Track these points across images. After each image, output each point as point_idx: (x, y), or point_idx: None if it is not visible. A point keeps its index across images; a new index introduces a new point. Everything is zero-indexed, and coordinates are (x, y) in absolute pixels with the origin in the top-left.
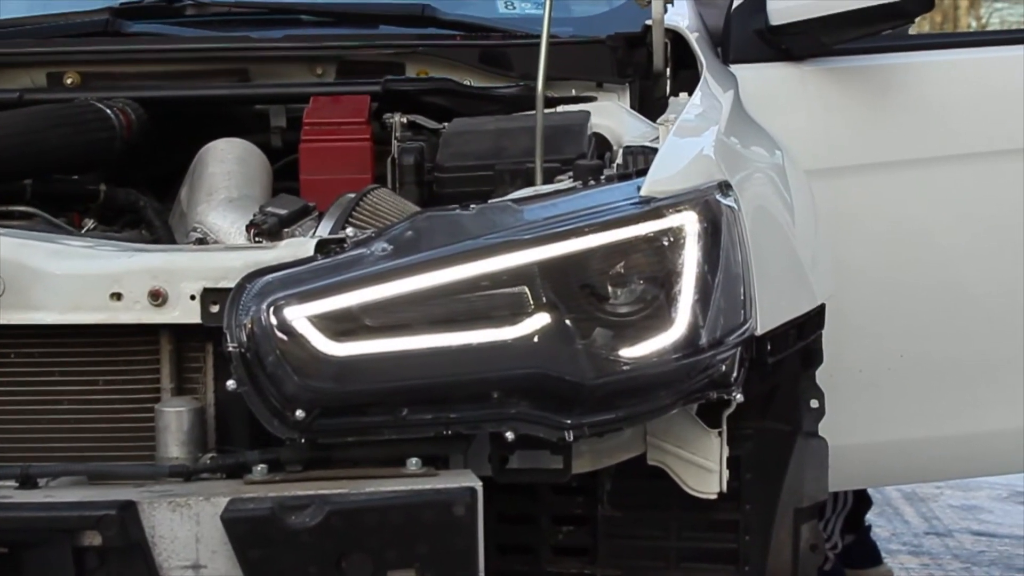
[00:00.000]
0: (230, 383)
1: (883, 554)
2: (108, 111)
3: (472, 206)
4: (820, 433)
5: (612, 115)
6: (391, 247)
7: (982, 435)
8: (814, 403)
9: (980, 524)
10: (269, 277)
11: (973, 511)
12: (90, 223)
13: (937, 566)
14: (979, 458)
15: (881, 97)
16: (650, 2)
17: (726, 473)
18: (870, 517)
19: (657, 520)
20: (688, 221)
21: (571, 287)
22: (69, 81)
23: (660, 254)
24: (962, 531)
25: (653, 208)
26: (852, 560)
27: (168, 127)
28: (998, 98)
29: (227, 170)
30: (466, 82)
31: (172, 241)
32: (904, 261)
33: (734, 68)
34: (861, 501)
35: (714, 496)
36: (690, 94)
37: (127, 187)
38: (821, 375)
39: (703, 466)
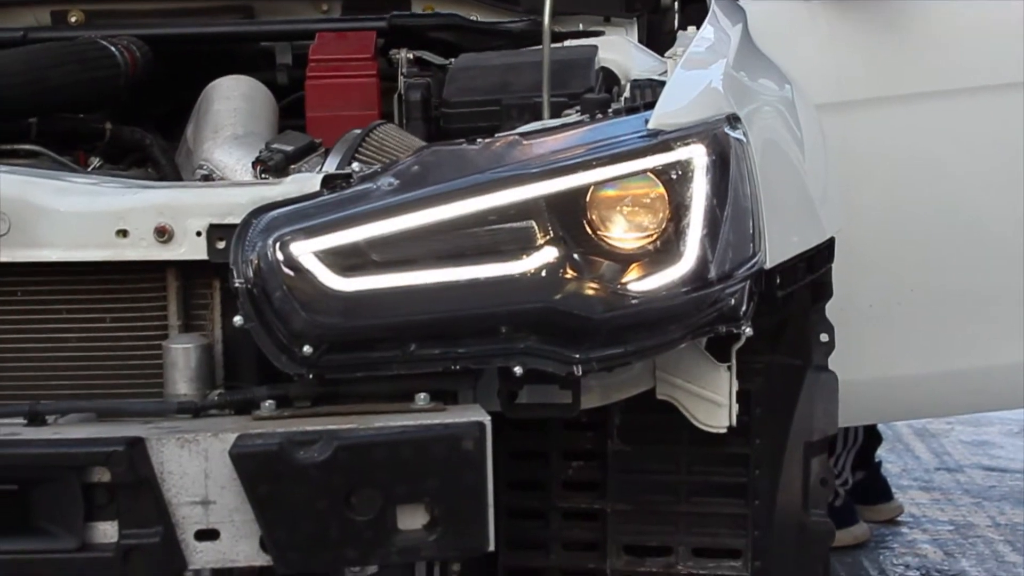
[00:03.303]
0: (237, 319)
1: (894, 490)
2: (113, 49)
3: (479, 140)
4: (830, 367)
5: (620, 49)
6: (397, 182)
7: (994, 369)
8: (824, 337)
9: (991, 459)
10: (275, 212)
11: (984, 446)
12: (96, 161)
13: (948, 501)
14: (991, 392)
15: (890, 30)
16: None
17: (736, 407)
18: (881, 453)
19: (667, 454)
20: (696, 154)
21: (579, 221)
22: (73, 19)
23: (668, 187)
24: (973, 466)
25: (661, 141)
26: (863, 496)
27: (173, 65)
28: (1007, 30)
29: (233, 107)
30: (472, 17)
31: (178, 179)
32: (914, 194)
33: (743, 1)
34: (872, 437)
35: (724, 430)
36: (698, 28)
37: (133, 125)
38: (831, 310)
39: (713, 400)
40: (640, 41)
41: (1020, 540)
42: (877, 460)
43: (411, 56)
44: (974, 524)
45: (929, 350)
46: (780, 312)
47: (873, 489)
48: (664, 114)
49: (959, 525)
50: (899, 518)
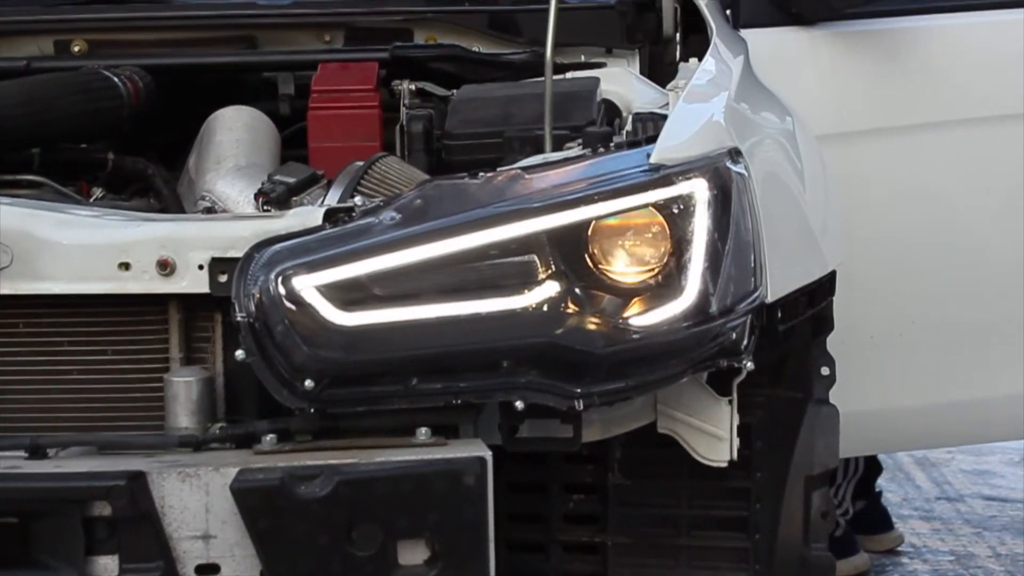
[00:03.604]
0: (239, 353)
1: (894, 519)
2: (115, 79)
3: (481, 174)
4: (831, 399)
5: (622, 81)
6: (400, 216)
7: (994, 400)
8: (825, 370)
9: (992, 489)
10: (278, 246)
11: (984, 476)
12: (98, 192)
13: (948, 531)
14: (991, 424)
15: (892, 61)
16: None
17: (737, 441)
18: (881, 482)
19: (667, 488)
20: (698, 188)
21: (580, 255)
22: (76, 49)
23: (670, 221)
24: (973, 496)
25: (663, 175)
26: (863, 526)
27: (176, 95)
28: (1009, 62)
29: (235, 138)
30: (474, 48)
31: (181, 210)
32: (915, 226)
33: (744, 33)
34: (872, 467)
35: (725, 464)
36: (700, 59)
37: (135, 155)
38: (832, 341)
39: (714, 434)
40: (642, 72)
41: (1021, 571)
42: (878, 490)
43: (413, 87)
44: (975, 554)
45: (930, 381)
46: (781, 346)
47: (873, 519)
48: (666, 148)
49: (960, 555)
50: (899, 548)
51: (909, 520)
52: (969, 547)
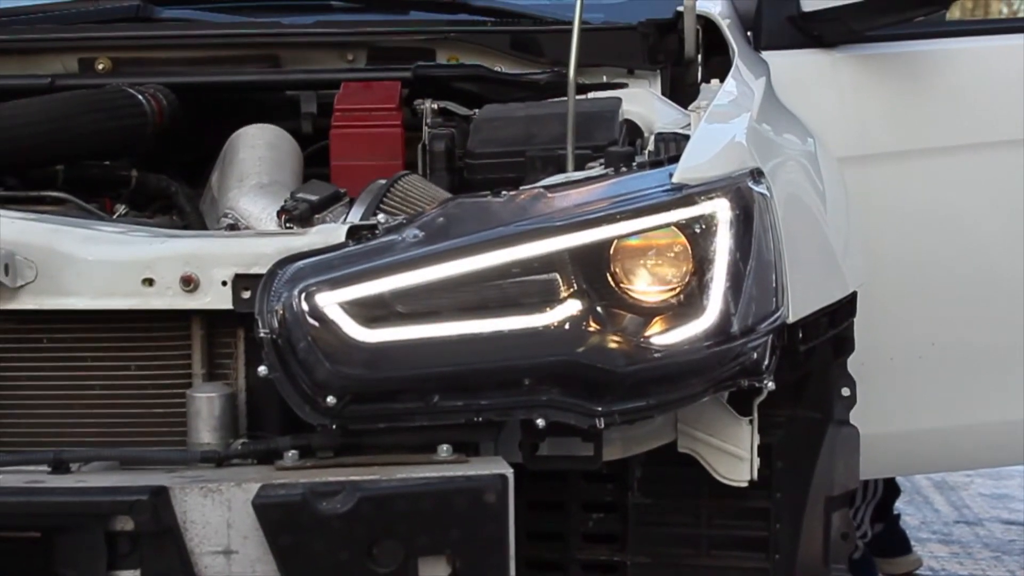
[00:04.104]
0: (261, 369)
1: (913, 543)
2: (140, 97)
3: (503, 192)
4: (851, 421)
5: (643, 102)
6: (423, 234)
7: (1014, 423)
8: (845, 391)
9: (1011, 513)
10: (301, 263)
11: (1004, 500)
12: (121, 208)
13: (967, 555)
14: (1012, 447)
15: (913, 84)
16: None
17: (757, 461)
18: (899, 505)
19: (687, 507)
20: (720, 208)
21: (602, 274)
22: (100, 67)
23: (692, 241)
24: (992, 520)
25: (685, 195)
26: (882, 549)
27: (199, 113)
28: None
29: (258, 156)
30: (497, 68)
31: (203, 226)
32: (935, 248)
33: (765, 55)
34: (890, 489)
35: (745, 484)
36: (722, 80)
37: (158, 173)
38: (852, 362)
39: (734, 454)
40: (663, 93)
41: None
42: (896, 512)
43: (435, 106)
44: None
45: (951, 403)
46: (802, 366)
47: (891, 542)
48: (688, 168)
49: None
50: (918, 571)
51: (928, 543)
52: (988, 571)
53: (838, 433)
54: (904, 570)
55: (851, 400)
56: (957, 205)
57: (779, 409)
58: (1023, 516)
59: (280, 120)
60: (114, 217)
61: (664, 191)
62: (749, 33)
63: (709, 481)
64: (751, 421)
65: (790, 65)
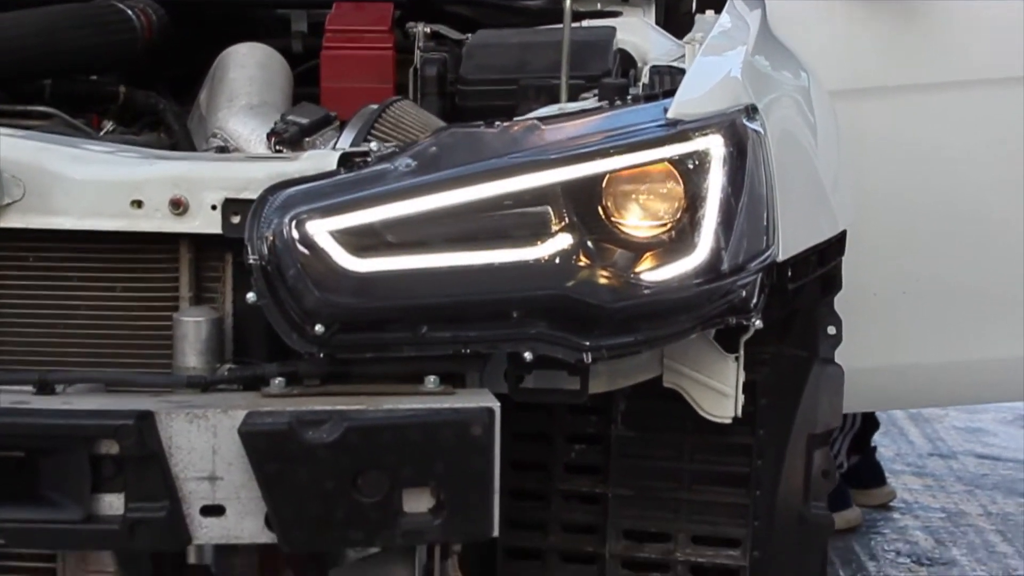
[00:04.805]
0: (250, 296)
1: (887, 474)
2: (130, 12)
3: (497, 123)
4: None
5: (637, 31)
6: (415, 163)
7: (995, 361)
8: (831, 330)
9: (984, 447)
10: (292, 190)
11: (977, 433)
12: (109, 125)
13: (940, 488)
14: (991, 385)
15: (907, 20)
16: None
17: (742, 398)
18: (875, 437)
19: (670, 441)
20: (714, 144)
21: (594, 208)
22: None
23: (685, 177)
24: (966, 453)
25: (679, 131)
26: (857, 480)
27: (188, 29)
28: (1021, 23)
29: (248, 76)
30: None
31: (191, 144)
32: (923, 185)
33: None
34: (868, 422)
35: (729, 420)
36: (716, 11)
37: (147, 89)
38: (836, 296)
39: (719, 390)
40: (657, 22)
41: (1011, 530)
42: (872, 445)
43: (428, 30)
44: (966, 512)
45: (932, 340)
46: (790, 304)
47: (867, 473)
48: (683, 103)
49: (951, 513)
50: (891, 503)
51: (901, 476)
52: (960, 505)
53: (823, 371)
54: (878, 502)
55: (837, 339)
56: (946, 142)
57: (765, 346)
58: (996, 450)
59: (270, 38)
60: (101, 133)
61: (658, 126)
62: None
63: (692, 416)
64: (737, 358)
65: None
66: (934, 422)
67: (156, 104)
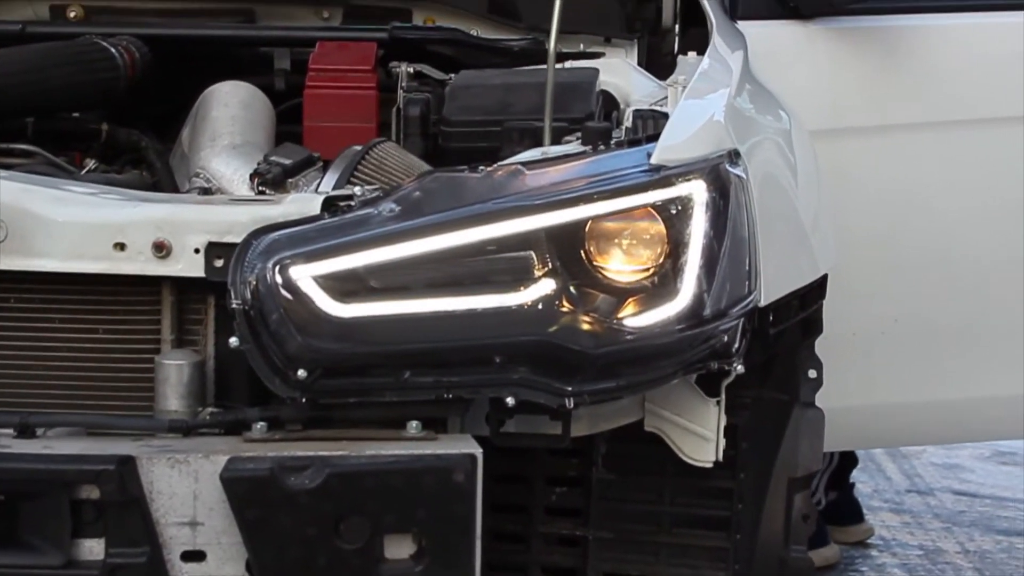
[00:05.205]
0: (232, 340)
1: (865, 511)
2: (113, 50)
3: (480, 168)
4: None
5: (620, 72)
6: (399, 208)
7: (974, 400)
8: (812, 373)
9: (961, 483)
10: (275, 235)
11: (955, 470)
12: (91, 163)
13: (918, 525)
14: (970, 424)
15: (887, 59)
16: None
17: (723, 442)
18: (854, 473)
19: (651, 485)
20: (697, 190)
21: (577, 254)
22: (72, 15)
23: (668, 223)
24: (944, 490)
25: (662, 176)
26: (834, 516)
27: (171, 66)
28: (1004, 64)
29: (231, 115)
30: (473, 31)
31: (173, 183)
32: (902, 225)
33: (741, 25)
34: (847, 459)
35: (710, 465)
36: (699, 53)
37: (128, 125)
38: None
39: (700, 434)
40: (639, 63)
41: (988, 568)
42: (851, 481)
43: (411, 70)
44: (943, 550)
45: (911, 380)
46: (771, 348)
47: (845, 510)
48: (666, 148)
49: (928, 550)
50: (869, 540)
51: (879, 512)
52: (938, 542)
53: (803, 415)
54: (856, 539)
55: (818, 382)
56: (927, 182)
57: (746, 390)
58: (973, 487)
59: (253, 75)
60: (83, 172)
61: (641, 171)
62: (726, 2)
63: (673, 459)
64: (718, 402)
65: (766, 36)
66: (912, 458)
67: (138, 142)
